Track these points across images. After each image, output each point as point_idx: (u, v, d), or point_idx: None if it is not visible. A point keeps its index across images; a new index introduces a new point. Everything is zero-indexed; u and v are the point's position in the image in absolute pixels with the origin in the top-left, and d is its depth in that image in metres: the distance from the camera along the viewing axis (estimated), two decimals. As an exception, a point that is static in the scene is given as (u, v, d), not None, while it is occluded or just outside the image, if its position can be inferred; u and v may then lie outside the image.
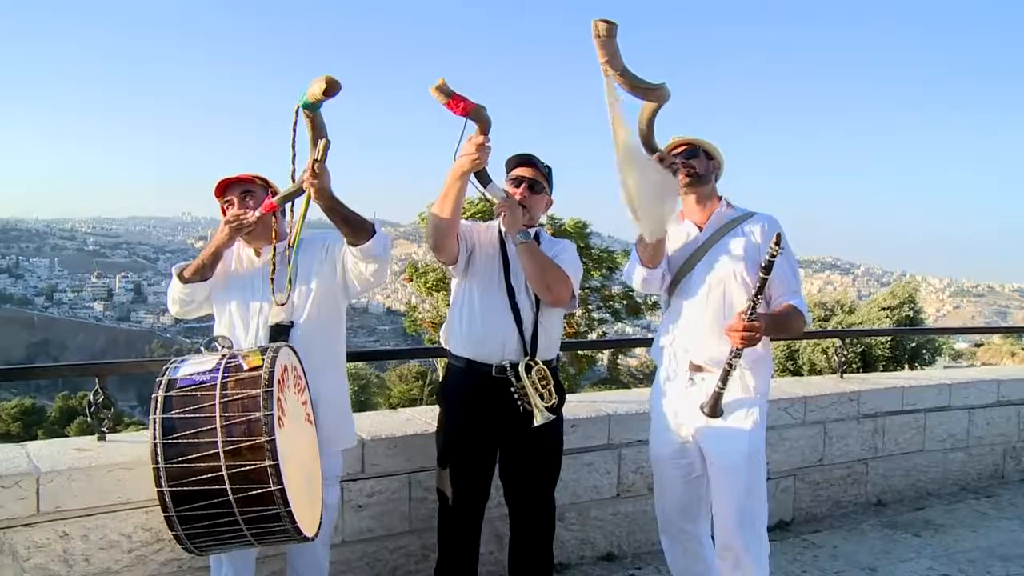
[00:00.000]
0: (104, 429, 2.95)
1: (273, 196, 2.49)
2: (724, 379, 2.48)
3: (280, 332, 2.50)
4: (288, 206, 2.53)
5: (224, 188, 2.58)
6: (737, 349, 2.45)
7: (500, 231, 2.83)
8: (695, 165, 2.67)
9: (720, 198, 2.75)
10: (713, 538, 2.73)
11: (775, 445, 4.11)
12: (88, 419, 2.98)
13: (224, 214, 2.55)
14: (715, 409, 2.51)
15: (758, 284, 2.43)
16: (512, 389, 2.70)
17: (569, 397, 3.27)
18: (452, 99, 2.39)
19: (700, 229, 2.71)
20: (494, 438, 2.81)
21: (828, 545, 4.01)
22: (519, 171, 2.81)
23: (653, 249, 2.61)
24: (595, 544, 3.71)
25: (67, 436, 4.32)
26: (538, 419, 2.68)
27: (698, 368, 2.65)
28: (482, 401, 2.75)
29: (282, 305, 2.51)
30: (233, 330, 2.56)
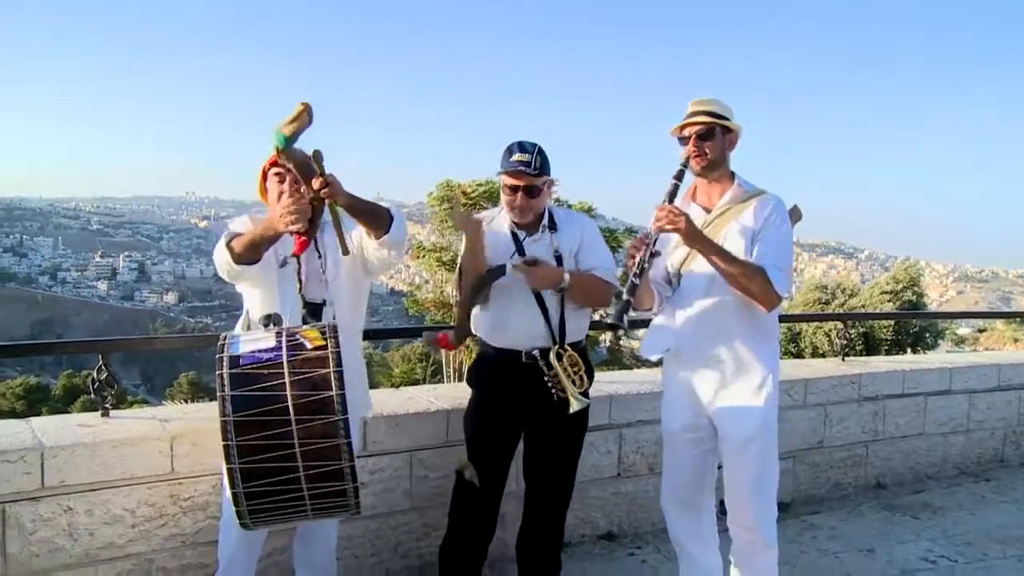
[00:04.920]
0: (108, 406, 2.96)
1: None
2: (634, 281, 2.42)
3: (314, 311, 2.54)
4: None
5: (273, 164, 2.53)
6: (651, 240, 2.42)
7: (510, 232, 2.80)
8: (708, 150, 2.56)
9: (733, 176, 2.65)
10: (722, 505, 2.74)
11: (775, 427, 4.12)
12: (92, 396, 3.00)
13: (265, 182, 2.54)
14: (620, 316, 2.40)
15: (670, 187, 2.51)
16: (545, 378, 2.71)
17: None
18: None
19: (708, 211, 2.63)
20: (520, 420, 2.82)
21: (827, 526, 4.04)
22: (509, 180, 2.73)
23: (639, 297, 2.54)
24: (595, 523, 3.73)
25: (71, 414, 4.35)
26: (574, 406, 2.67)
27: (706, 346, 2.62)
28: (510, 384, 2.76)
29: (324, 281, 2.53)
30: (271, 307, 2.55)
